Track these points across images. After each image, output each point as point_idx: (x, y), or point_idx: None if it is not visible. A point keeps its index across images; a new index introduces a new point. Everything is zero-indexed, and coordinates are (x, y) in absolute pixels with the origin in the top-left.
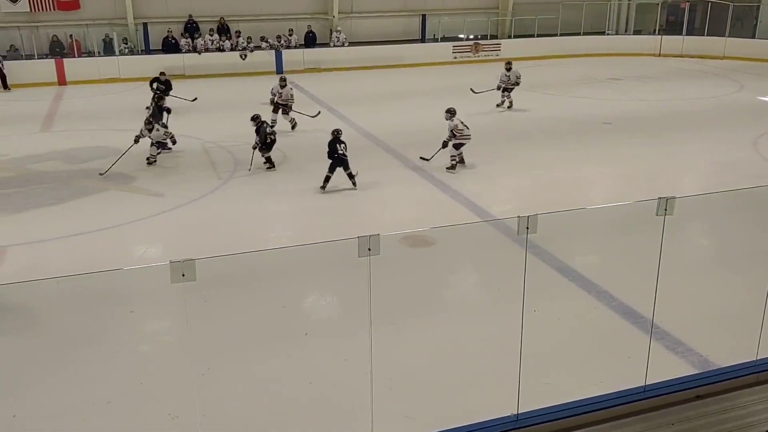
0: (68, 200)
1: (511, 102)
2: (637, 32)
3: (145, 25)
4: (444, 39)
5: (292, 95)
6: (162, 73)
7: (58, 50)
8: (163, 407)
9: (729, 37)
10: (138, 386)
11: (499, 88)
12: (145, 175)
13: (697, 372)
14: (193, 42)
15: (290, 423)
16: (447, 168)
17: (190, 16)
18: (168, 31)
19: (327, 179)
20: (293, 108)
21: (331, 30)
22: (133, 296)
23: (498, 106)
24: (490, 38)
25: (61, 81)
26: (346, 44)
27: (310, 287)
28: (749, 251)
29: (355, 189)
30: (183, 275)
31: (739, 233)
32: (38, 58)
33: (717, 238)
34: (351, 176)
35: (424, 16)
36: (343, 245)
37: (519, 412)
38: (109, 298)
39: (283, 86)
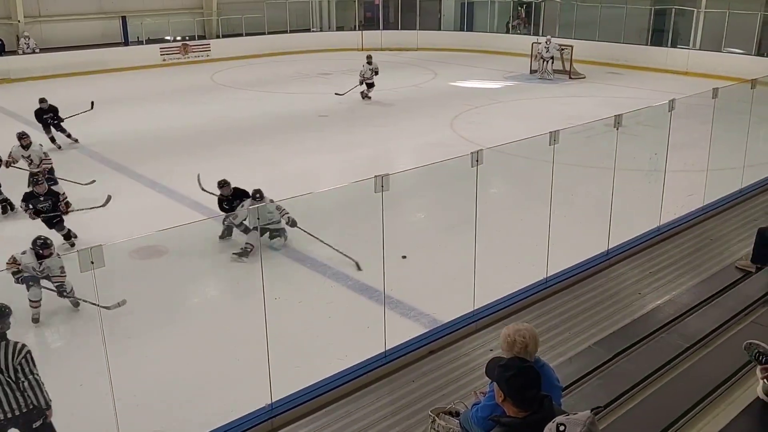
0: None
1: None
2: (339, 28)
3: None
4: (150, 41)
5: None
6: (42, 100)
7: None
8: None
9: (420, 30)
10: None
11: (361, 82)
12: None
13: (427, 330)
14: None
15: None
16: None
17: None
18: None
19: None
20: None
21: (17, 36)
22: None
23: (364, 98)
24: (198, 38)
25: None
26: (38, 50)
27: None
28: (458, 217)
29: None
30: None
31: (446, 202)
32: None
33: (429, 208)
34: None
35: (124, 18)
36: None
37: (273, 401)
38: None
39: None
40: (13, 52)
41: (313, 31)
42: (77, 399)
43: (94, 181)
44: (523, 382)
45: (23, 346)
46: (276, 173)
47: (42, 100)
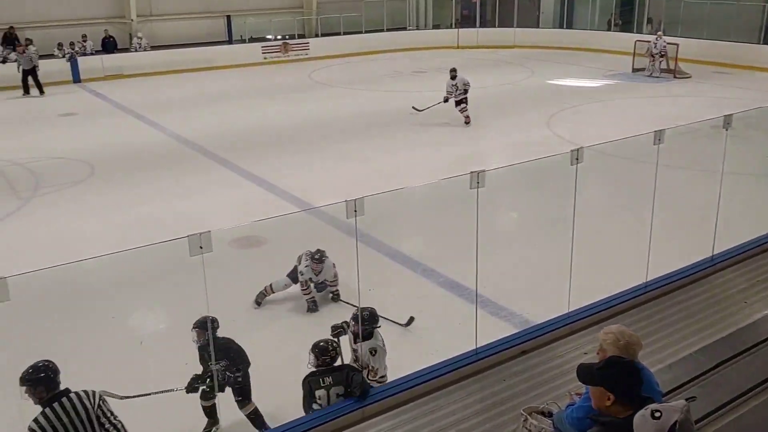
0: None
1: (468, 117)
2: (436, 27)
3: None
4: (252, 40)
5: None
6: None
7: None
8: None
9: (517, 27)
10: None
11: (446, 100)
12: None
13: (519, 330)
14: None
15: None
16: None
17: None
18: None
19: None
20: None
21: (130, 34)
22: None
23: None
24: (298, 38)
25: None
26: (148, 48)
27: (140, 297)
28: (552, 217)
29: None
30: None
31: (542, 201)
32: None
33: (524, 206)
34: None
35: (228, 17)
36: (174, 245)
37: None
38: None
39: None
40: (126, 50)
41: (409, 30)
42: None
43: None
44: (634, 381)
45: (93, 392)
46: (368, 169)
47: None
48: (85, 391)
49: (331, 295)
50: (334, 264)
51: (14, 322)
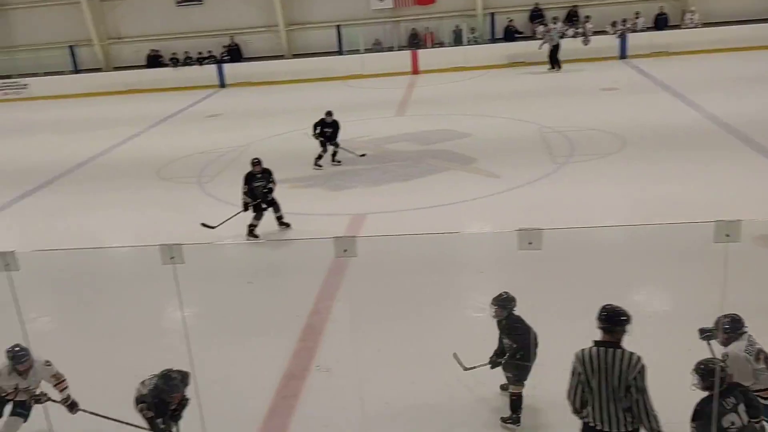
0: (417, 177)
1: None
2: None
3: (492, 15)
4: None
5: None
6: (328, 113)
7: (414, 42)
8: None
9: None
10: (466, 344)
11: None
12: (484, 157)
13: None
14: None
15: None
16: None
17: (536, 4)
18: (508, 21)
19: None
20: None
21: (683, 11)
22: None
23: None
24: None
25: (415, 70)
26: (699, 25)
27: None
28: None
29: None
30: (529, 243)
31: None
32: (398, 50)
33: None
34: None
35: None
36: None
37: None
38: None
39: None
40: (677, 26)
41: None
42: None
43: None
44: None
45: (639, 358)
46: None
47: (328, 113)
48: (632, 354)
49: None
50: None
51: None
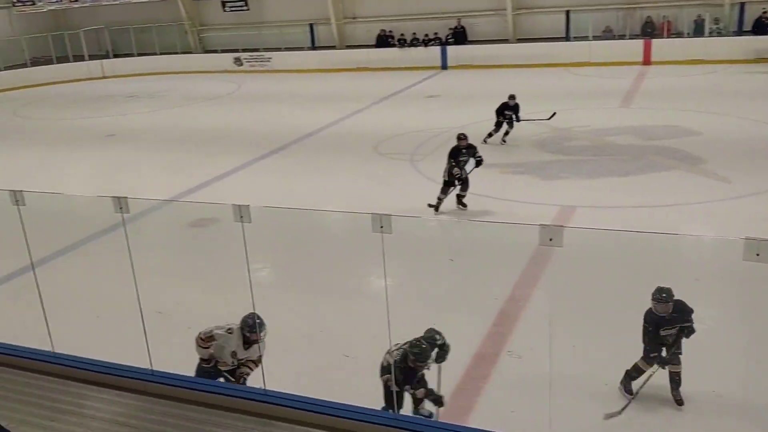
0: (635, 173)
1: None
2: None
3: (741, 5)
4: None
5: None
6: (512, 97)
7: (648, 31)
8: None
9: None
10: None
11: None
12: (715, 159)
13: None
14: None
15: None
16: None
17: None
18: (762, 11)
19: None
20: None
21: None
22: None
23: None
24: None
25: (646, 60)
26: None
27: None
28: None
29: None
30: (757, 255)
31: None
32: (630, 38)
33: None
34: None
35: None
36: None
37: None
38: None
39: None
40: None
41: None
42: None
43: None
44: None
45: None
46: None
47: (511, 97)
48: None
49: None
50: None
51: None
